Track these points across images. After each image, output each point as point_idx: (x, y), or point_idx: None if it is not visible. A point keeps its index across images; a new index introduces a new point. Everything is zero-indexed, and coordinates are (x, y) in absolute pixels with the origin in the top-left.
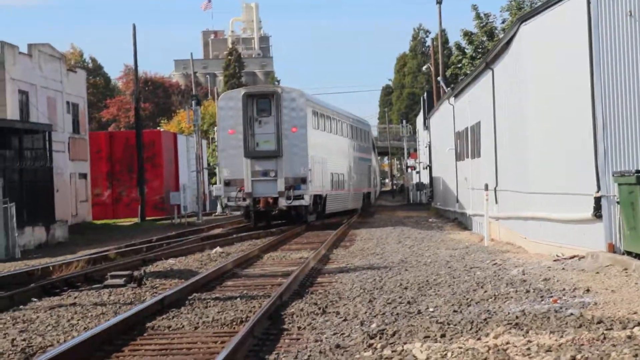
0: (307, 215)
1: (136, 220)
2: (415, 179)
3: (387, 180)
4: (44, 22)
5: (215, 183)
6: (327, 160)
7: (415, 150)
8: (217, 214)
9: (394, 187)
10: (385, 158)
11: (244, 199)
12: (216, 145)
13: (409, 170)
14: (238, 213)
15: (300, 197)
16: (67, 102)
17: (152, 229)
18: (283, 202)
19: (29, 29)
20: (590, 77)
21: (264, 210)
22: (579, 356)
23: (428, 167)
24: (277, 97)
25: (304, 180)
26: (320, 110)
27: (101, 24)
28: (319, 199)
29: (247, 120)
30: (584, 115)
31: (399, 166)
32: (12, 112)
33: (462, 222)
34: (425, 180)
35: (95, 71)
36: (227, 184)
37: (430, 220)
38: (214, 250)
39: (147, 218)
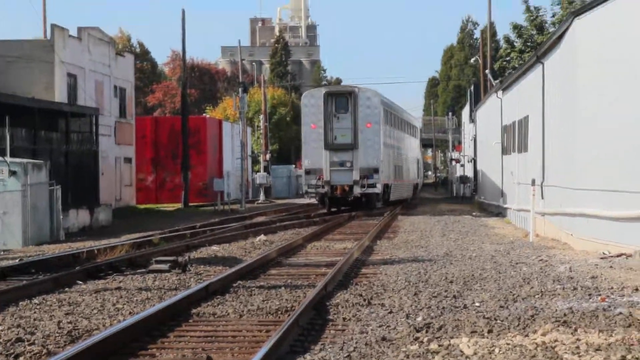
0: (376, 202)
1: (179, 205)
2: (459, 172)
3: (430, 173)
4: (93, 5)
5: (259, 171)
6: (392, 154)
7: (460, 142)
8: (259, 201)
9: (437, 179)
10: (429, 150)
11: (323, 187)
12: (258, 133)
13: (454, 163)
14: (314, 200)
15: (373, 185)
16: (115, 86)
17: (195, 215)
18: (358, 190)
19: (78, 12)
20: None
21: (338, 197)
22: (629, 356)
23: (473, 161)
24: (354, 96)
25: (376, 171)
26: (388, 109)
27: (149, 9)
28: (386, 188)
29: (327, 116)
30: (636, 111)
31: (442, 158)
32: (60, 95)
33: (506, 216)
34: (469, 173)
35: (142, 56)
36: (308, 172)
37: (474, 214)
38: (258, 238)
39: (190, 204)
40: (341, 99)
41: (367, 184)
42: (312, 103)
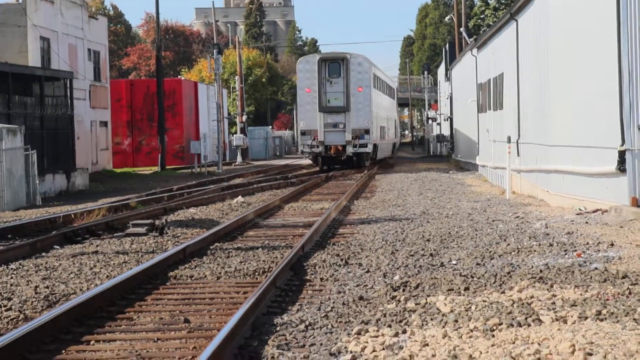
0: (366, 161)
1: (156, 169)
2: (436, 131)
3: (406, 132)
4: None
5: (235, 132)
6: (379, 115)
7: (436, 101)
8: (237, 163)
9: (414, 138)
10: (406, 109)
11: (317, 146)
12: (233, 95)
13: (430, 121)
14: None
15: (365, 145)
16: (89, 50)
17: (172, 178)
18: (350, 149)
19: None
20: (617, 28)
21: (331, 156)
22: (604, 311)
23: (449, 119)
24: (346, 62)
25: (367, 132)
26: (376, 73)
27: None
28: (374, 147)
29: (321, 80)
30: (609, 67)
31: (419, 118)
32: (33, 59)
33: (483, 174)
34: (446, 132)
35: (116, 19)
36: (303, 133)
37: (450, 172)
38: (235, 199)
39: (167, 167)
40: (334, 64)
41: (359, 144)
42: (306, 68)
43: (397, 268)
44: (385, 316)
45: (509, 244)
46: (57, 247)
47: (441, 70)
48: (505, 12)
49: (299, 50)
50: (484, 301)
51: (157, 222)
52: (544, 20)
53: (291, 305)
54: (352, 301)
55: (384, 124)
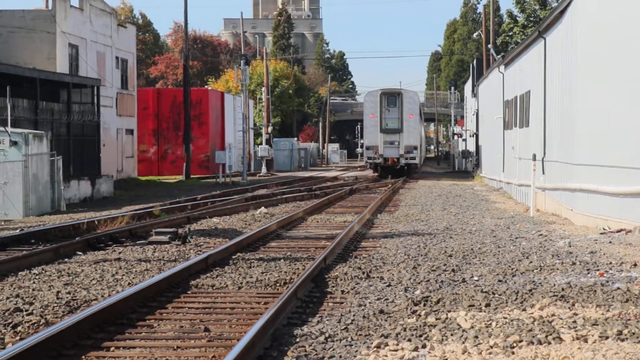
0: (414, 171)
1: (181, 177)
2: (462, 147)
3: (432, 147)
4: None
5: (261, 143)
6: (422, 135)
7: (462, 117)
8: (261, 174)
9: (439, 154)
10: (432, 124)
11: (378, 158)
12: (259, 106)
13: (456, 137)
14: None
15: (414, 158)
16: (117, 58)
17: (196, 187)
18: (403, 161)
19: None
20: None
21: (388, 166)
22: (625, 331)
23: (475, 135)
24: (401, 95)
25: (416, 148)
26: (420, 103)
27: None
28: (420, 160)
29: (381, 109)
30: (636, 86)
31: (445, 133)
32: (61, 66)
33: (507, 191)
34: (472, 148)
35: (144, 27)
36: (368, 148)
37: (475, 188)
38: (259, 210)
39: (192, 176)
40: (392, 97)
41: (410, 157)
42: (371, 99)
43: (419, 283)
44: (405, 330)
45: (531, 262)
46: (80, 253)
47: (468, 87)
48: (533, 30)
49: (327, 63)
50: (505, 318)
51: (180, 230)
52: (572, 38)
53: (311, 317)
54: (372, 314)
55: (422, 141)
